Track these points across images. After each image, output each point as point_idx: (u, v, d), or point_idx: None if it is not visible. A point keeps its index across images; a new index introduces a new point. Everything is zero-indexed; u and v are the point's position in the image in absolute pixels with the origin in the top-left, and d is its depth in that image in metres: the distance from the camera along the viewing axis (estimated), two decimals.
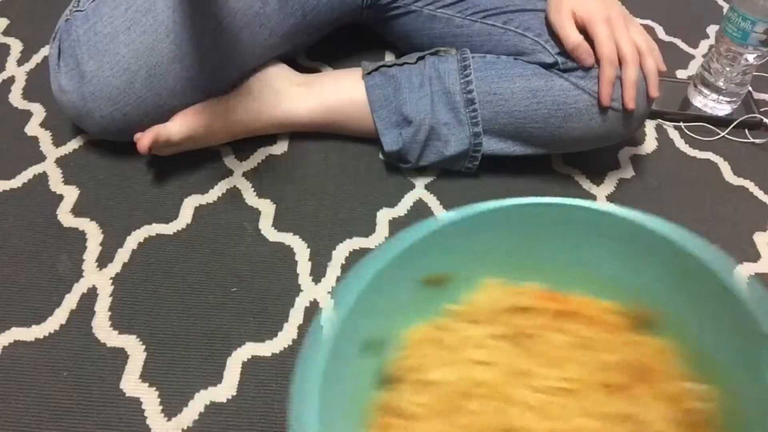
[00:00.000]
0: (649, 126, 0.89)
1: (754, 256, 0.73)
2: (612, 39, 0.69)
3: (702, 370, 0.38)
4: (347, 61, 0.94)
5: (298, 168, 0.79)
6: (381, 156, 0.81)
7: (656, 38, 1.06)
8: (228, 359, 0.61)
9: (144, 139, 0.71)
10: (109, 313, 0.64)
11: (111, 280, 0.67)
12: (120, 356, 0.61)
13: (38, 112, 0.85)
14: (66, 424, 0.56)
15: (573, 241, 0.44)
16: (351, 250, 0.71)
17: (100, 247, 0.69)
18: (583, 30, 0.71)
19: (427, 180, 0.79)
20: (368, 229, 0.73)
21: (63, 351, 0.61)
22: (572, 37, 0.70)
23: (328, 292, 0.67)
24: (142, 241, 0.70)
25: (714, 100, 0.89)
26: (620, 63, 0.69)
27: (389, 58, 0.96)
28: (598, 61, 0.70)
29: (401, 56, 0.80)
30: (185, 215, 0.73)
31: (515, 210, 0.42)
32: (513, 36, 0.76)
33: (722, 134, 0.88)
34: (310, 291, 0.67)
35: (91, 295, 0.65)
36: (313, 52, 0.95)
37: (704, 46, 1.05)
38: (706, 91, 0.89)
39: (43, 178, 0.76)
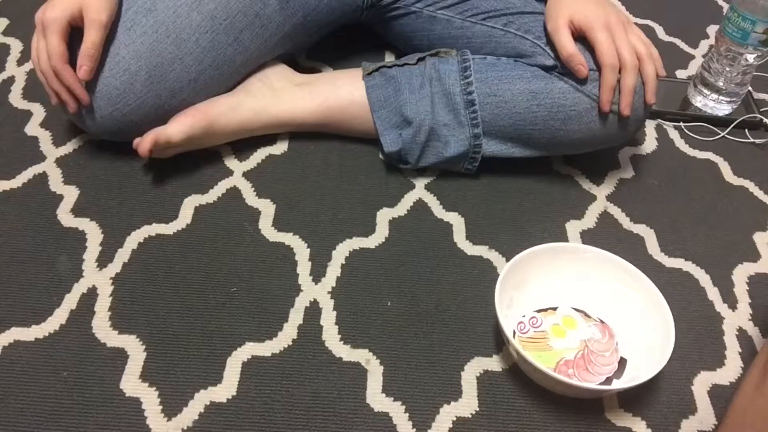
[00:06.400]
0: (649, 126, 0.89)
1: (754, 256, 0.73)
2: (613, 45, 0.69)
3: None
4: (347, 61, 0.94)
5: (298, 168, 0.80)
6: (381, 156, 0.81)
7: (656, 38, 1.06)
8: (228, 359, 0.61)
9: (144, 143, 0.71)
10: (109, 313, 0.64)
11: (111, 280, 0.67)
12: (120, 356, 0.61)
13: (38, 112, 0.85)
14: (66, 424, 0.56)
15: None
16: (351, 250, 0.71)
17: (100, 247, 0.69)
18: (583, 36, 0.71)
19: (427, 180, 0.79)
20: (368, 229, 0.73)
21: (63, 351, 0.61)
22: (567, 47, 0.70)
23: (328, 292, 0.67)
24: (142, 241, 0.70)
25: (714, 100, 0.89)
26: (620, 68, 0.69)
27: (389, 58, 0.96)
28: (598, 66, 0.70)
29: (401, 57, 0.80)
30: (185, 215, 0.73)
31: None
32: (513, 38, 0.76)
33: (722, 134, 0.88)
34: (310, 291, 0.67)
35: (91, 295, 0.65)
36: (313, 52, 0.96)
37: (704, 46, 1.05)
38: (706, 91, 0.89)
39: (43, 178, 0.76)
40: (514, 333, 0.63)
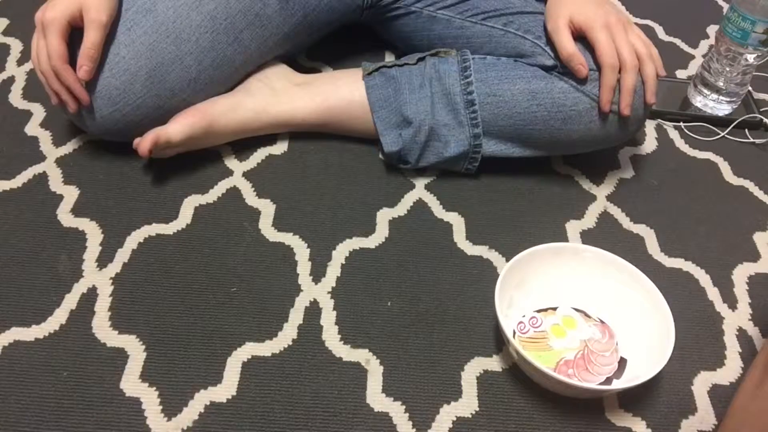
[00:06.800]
0: (649, 126, 0.89)
1: (754, 256, 0.73)
2: (612, 45, 0.69)
3: None
4: (347, 61, 0.94)
5: (298, 168, 0.80)
6: (381, 156, 0.81)
7: (656, 38, 1.06)
8: (228, 359, 0.61)
9: (144, 143, 0.71)
10: (109, 313, 0.64)
11: (111, 280, 0.67)
12: (120, 356, 0.61)
13: (38, 112, 0.85)
14: (66, 424, 0.56)
15: None
16: (351, 250, 0.71)
17: (100, 247, 0.69)
18: (583, 36, 0.71)
19: (427, 180, 0.79)
20: (368, 229, 0.73)
21: (63, 351, 0.61)
22: (567, 47, 0.70)
23: (328, 292, 0.67)
24: (142, 241, 0.70)
25: (714, 100, 0.89)
26: (620, 68, 0.69)
27: (389, 58, 0.96)
28: (598, 66, 0.70)
29: (401, 57, 0.80)
30: (185, 215, 0.73)
31: None
32: (513, 38, 0.76)
33: (722, 134, 0.88)
34: (310, 291, 0.67)
35: (91, 295, 0.65)
36: (313, 52, 0.96)
37: (704, 46, 1.05)
38: (706, 91, 0.89)
39: (43, 178, 0.76)
40: (514, 333, 0.63)
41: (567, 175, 0.81)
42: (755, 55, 0.83)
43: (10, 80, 0.89)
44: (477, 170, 0.78)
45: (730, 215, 0.78)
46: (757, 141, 0.88)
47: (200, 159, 0.79)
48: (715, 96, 0.88)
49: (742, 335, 0.66)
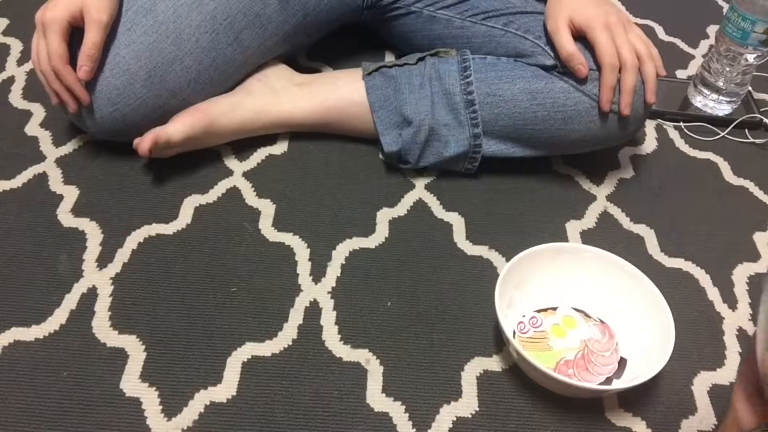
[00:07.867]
0: (649, 126, 0.89)
1: (754, 256, 0.73)
2: (612, 45, 0.69)
3: None
4: (347, 61, 0.94)
5: (298, 168, 0.80)
6: (381, 156, 0.81)
7: (656, 38, 1.06)
8: (228, 359, 0.61)
9: (144, 143, 0.71)
10: (109, 313, 0.64)
11: (111, 280, 0.67)
12: (120, 356, 0.61)
13: (38, 112, 0.85)
14: (66, 424, 0.56)
15: None
16: (351, 250, 0.71)
17: (100, 247, 0.69)
18: (583, 36, 0.71)
19: (427, 180, 0.79)
20: (368, 229, 0.73)
21: (63, 351, 0.61)
22: (566, 47, 0.70)
23: (328, 292, 0.67)
24: (142, 241, 0.70)
25: (714, 100, 0.89)
26: (620, 68, 0.69)
27: (389, 58, 0.96)
28: (598, 65, 0.70)
29: (401, 57, 0.80)
30: (185, 215, 0.73)
31: None
32: (513, 38, 0.76)
33: (722, 134, 0.88)
34: (310, 291, 0.67)
35: (91, 295, 0.65)
36: (313, 52, 0.96)
37: (704, 46, 1.05)
38: (706, 91, 0.89)
39: (43, 178, 0.76)
40: (514, 333, 0.63)
41: (567, 175, 0.81)
42: (755, 55, 0.83)
43: (10, 80, 0.89)
44: (477, 170, 0.78)
45: (730, 215, 0.78)
46: (757, 141, 0.88)
47: (200, 159, 0.79)
48: (715, 96, 0.88)
49: (742, 335, 0.66)
